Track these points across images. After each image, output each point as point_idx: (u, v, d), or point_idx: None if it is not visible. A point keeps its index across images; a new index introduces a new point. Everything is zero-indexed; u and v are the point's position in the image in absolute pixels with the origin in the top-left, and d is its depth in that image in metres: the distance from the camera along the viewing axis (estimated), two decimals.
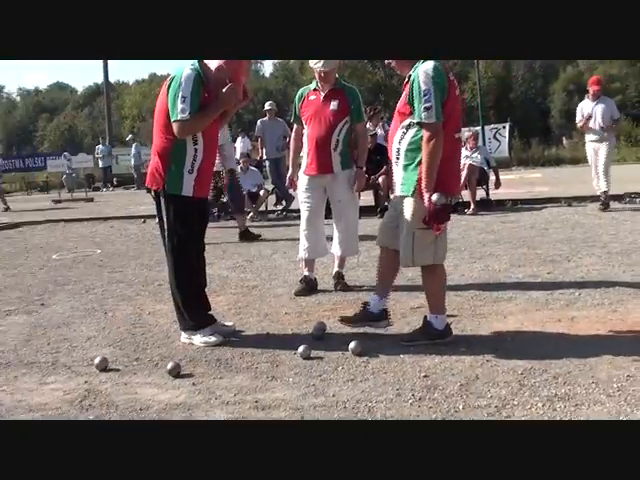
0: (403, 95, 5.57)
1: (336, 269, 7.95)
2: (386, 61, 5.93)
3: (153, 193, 6.05)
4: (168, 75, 5.99)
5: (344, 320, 6.08)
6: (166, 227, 5.99)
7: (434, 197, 5.28)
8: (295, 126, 8.01)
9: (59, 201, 26.20)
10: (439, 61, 5.40)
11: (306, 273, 7.93)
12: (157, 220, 6.23)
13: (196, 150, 5.91)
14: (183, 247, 5.97)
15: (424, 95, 5.28)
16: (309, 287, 7.79)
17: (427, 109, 5.28)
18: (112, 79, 58.62)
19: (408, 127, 5.52)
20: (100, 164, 36.95)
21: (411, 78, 5.44)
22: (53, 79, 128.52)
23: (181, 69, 5.77)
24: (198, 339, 5.99)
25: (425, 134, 5.34)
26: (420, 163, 5.41)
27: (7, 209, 22.72)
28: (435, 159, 5.31)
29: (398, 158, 5.61)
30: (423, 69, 5.33)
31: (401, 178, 5.61)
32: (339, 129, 7.52)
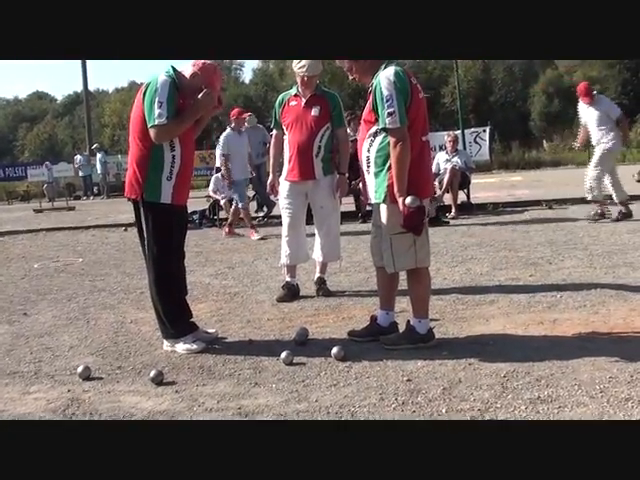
0: (368, 103, 5.60)
1: (318, 275, 7.94)
2: (346, 71, 5.89)
3: (132, 202, 6.04)
4: (142, 83, 5.99)
5: (353, 334, 6.05)
6: (145, 235, 5.98)
7: (408, 200, 5.30)
8: (275, 132, 8.01)
9: (40, 210, 26.09)
10: (400, 66, 5.43)
11: (288, 279, 7.92)
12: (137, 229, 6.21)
13: (174, 157, 5.90)
14: (163, 255, 5.95)
15: (387, 101, 5.32)
16: (291, 293, 7.78)
17: (390, 114, 5.30)
18: (91, 87, 58.61)
19: (375, 135, 5.55)
20: (80, 173, 36.87)
21: (373, 85, 5.46)
22: (32, 88, 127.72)
23: (155, 76, 5.78)
24: (180, 347, 5.98)
25: (391, 139, 5.37)
26: (390, 169, 5.43)
27: None
28: (404, 163, 5.33)
29: (369, 166, 5.64)
30: (384, 75, 5.36)
31: (373, 185, 5.63)
32: (321, 135, 7.52)
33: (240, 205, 13.76)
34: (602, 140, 12.38)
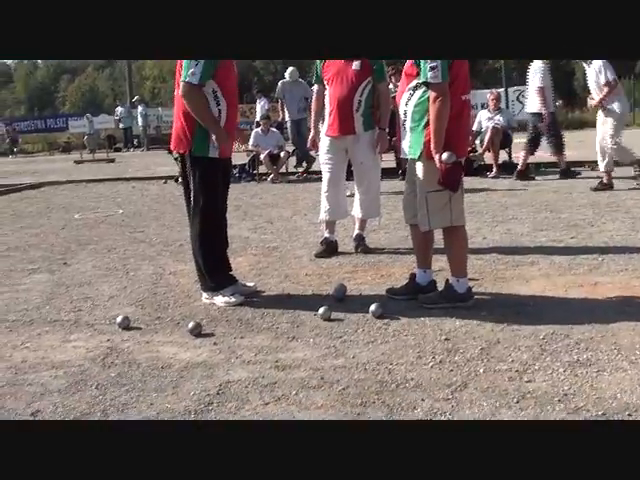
0: None
1: (357, 231, 7.92)
2: None
3: (178, 156, 6.05)
4: None
5: (391, 292, 6.03)
6: (192, 188, 5.98)
7: (444, 156, 5.24)
8: (316, 87, 7.95)
9: (81, 162, 26.26)
10: None
11: (327, 235, 7.91)
12: (179, 181, 6.23)
13: (220, 111, 5.90)
14: (209, 208, 5.96)
15: None
16: (330, 249, 7.78)
17: (433, 69, 5.22)
18: None
19: (415, 89, 5.48)
20: (121, 125, 36.97)
21: None
22: None
23: None
24: (219, 299, 6.01)
25: (431, 94, 5.30)
26: (427, 125, 5.38)
27: None
28: (442, 119, 5.27)
29: (405, 120, 5.59)
30: None
31: (408, 140, 5.59)
32: (361, 89, 7.44)
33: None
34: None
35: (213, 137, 5.78)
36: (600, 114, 12.02)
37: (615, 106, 11.74)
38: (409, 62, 5.53)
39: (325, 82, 7.67)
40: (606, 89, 11.49)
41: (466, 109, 5.60)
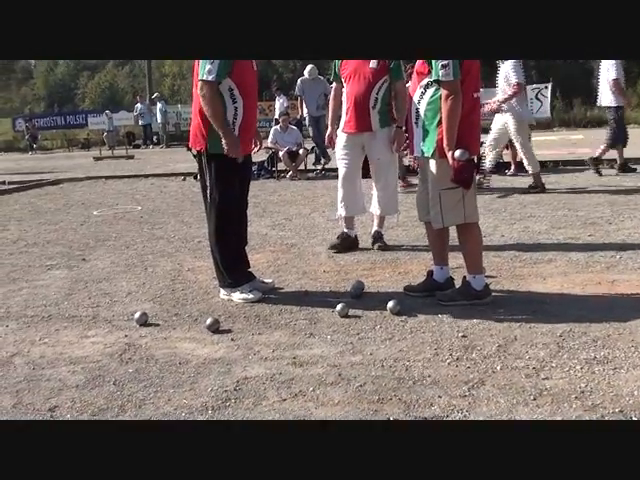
0: None
1: (375, 228, 7.94)
2: None
3: (195, 153, 6.08)
4: None
5: (408, 289, 6.03)
6: (208, 185, 6.03)
7: (457, 153, 5.26)
8: (334, 84, 7.99)
9: (100, 158, 26.36)
10: None
11: (345, 230, 7.96)
12: (198, 178, 6.26)
13: (236, 109, 5.92)
14: (224, 205, 6.00)
15: None
16: (346, 244, 7.84)
17: (444, 67, 5.24)
18: None
19: (427, 87, 5.50)
20: (140, 122, 37.02)
21: None
22: None
23: None
24: (237, 296, 6.03)
25: (443, 92, 5.32)
26: (440, 123, 5.40)
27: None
28: (455, 117, 5.29)
29: (417, 118, 5.60)
30: None
31: (421, 139, 5.60)
32: (378, 87, 7.49)
33: None
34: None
35: (223, 141, 5.80)
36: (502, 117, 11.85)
37: (518, 109, 11.59)
38: (420, 60, 5.53)
39: (343, 80, 7.69)
40: (513, 90, 11.35)
41: (477, 107, 5.61)
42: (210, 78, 5.70)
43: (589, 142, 20.44)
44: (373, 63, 7.45)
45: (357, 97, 7.49)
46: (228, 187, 6.03)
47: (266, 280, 6.52)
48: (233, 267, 6.13)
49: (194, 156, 6.16)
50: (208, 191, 6.05)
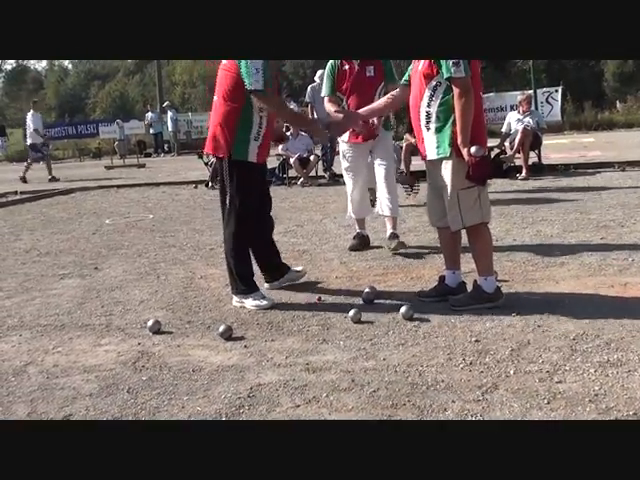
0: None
1: (390, 231, 7.95)
2: None
3: (212, 159, 6.17)
4: None
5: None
6: (229, 192, 6.07)
7: (473, 150, 5.27)
8: (326, 97, 8.02)
9: (111, 167, 26.44)
10: None
11: (358, 230, 8.17)
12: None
13: (261, 118, 6.03)
14: (244, 211, 6.08)
15: None
16: (363, 242, 8.05)
17: (456, 64, 5.25)
18: None
19: (435, 88, 5.48)
20: (151, 131, 37.12)
21: None
22: None
23: None
24: (250, 302, 6.04)
25: (456, 90, 5.33)
26: (454, 122, 5.40)
27: (53, 179, 21.95)
28: (469, 114, 5.32)
29: (429, 122, 5.58)
30: None
31: (434, 141, 5.58)
32: (378, 94, 7.64)
33: None
34: None
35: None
36: None
37: None
38: (426, 63, 5.50)
39: (340, 92, 7.84)
40: None
41: (482, 105, 5.64)
42: (260, 87, 5.77)
43: (600, 145, 20.41)
44: (369, 71, 7.62)
45: (362, 107, 7.53)
46: (248, 194, 6.10)
47: (297, 268, 6.76)
48: (246, 274, 6.17)
49: (206, 164, 6.23)
50: (228, 197, 6.09)
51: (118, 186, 18.38)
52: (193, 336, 5.44)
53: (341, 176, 9.12)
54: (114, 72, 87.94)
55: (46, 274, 7.93)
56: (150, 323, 5.59)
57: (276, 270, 6.63)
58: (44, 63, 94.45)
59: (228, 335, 5.27)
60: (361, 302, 5.93)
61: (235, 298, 6.18)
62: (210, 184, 15.78)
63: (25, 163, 22.80)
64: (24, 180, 21.34)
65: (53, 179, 21.77)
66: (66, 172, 23.94)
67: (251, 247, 6.30)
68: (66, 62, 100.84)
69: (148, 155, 35.09)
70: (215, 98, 6.13)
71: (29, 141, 22.60)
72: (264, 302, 6.04)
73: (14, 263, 8.72)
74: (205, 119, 34.01)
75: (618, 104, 38.91)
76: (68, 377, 4.74)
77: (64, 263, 8.50)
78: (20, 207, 15.28)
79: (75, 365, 4.96)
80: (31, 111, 22.73)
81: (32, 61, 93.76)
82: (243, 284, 6.12)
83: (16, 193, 17.47)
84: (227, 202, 6.11)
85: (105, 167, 26.51)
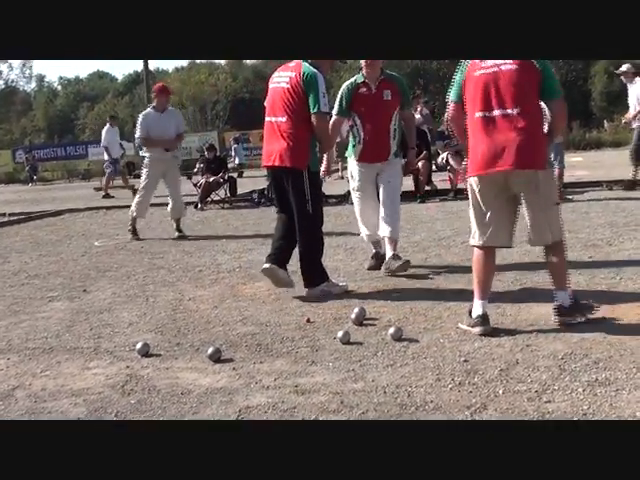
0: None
1: (391, 252, 7.83)
2: None
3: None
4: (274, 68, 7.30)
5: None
6: (308, 199, 6.92)
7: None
8: (335, 117, 7.92)
9: (100, 189, 26.39)
10: None
11: (374, 250, 8.25)
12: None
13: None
14: (320, 214, 7.13)
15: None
16: (380, 262, 8.03)
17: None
18: (152, 67, 58.61)
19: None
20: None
21: None
22: (93, 68, 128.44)
23: (307, 67, 6.77)
24: (323, 286, 7.03)
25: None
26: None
27: (107, 195, 22.52)
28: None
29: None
30: None
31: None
32: (394, 118, 7.79)
33: None
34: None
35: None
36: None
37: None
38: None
39: (356, 114, 7.85)
40: None
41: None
42: (327, 110, 6.87)
43: (588, 164, 20.49)
44: (386, 95, 7.71)
45: (379, 130, 7.77)
46: (320, 200, 7.27)
47: (341, 283, 7.31)
48: (321, 265, 7.20)
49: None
50: (310, 203, 6.92)
51: (107, 208, 18.37)
52: (182, 358, 5.42)
53: (330, 197, 9.15)
54: (103, 93, 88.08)
55: (34, 297, 7.90)
56: (139, 346, 5.57)
57: (284, 260, 7.26)
58: (33, 84, 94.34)
59: (217, 357, 5.26)
60: (350, 323, 5.93)
61: (308, 290, 7.05)
62: (200, 205, 15.81)
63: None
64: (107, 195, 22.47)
65: (107, 196, 22.51)
66: (55, 194, 23.89)
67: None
68: (55, 84, 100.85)
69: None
70: (280, 119, 6.90)
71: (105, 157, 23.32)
72: (342, 283, 7.22)
73: (2, 286, 8.69)
74: (194, 140, 34.13)
75: (606, 123, 39.14)
76: (56, 401, 4.71)
77: (52, 285, 8.47)
78: (9, 229, 15.23)
79: (63, 389, 4.93)
80: (106, 126, 23.30)
81: (21, 82, 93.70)
82: (323, 273, 7.12)
83: (4, 215, 17.41)
84: (308, 207, 6.92)
85: (94, 189, 26.47)
